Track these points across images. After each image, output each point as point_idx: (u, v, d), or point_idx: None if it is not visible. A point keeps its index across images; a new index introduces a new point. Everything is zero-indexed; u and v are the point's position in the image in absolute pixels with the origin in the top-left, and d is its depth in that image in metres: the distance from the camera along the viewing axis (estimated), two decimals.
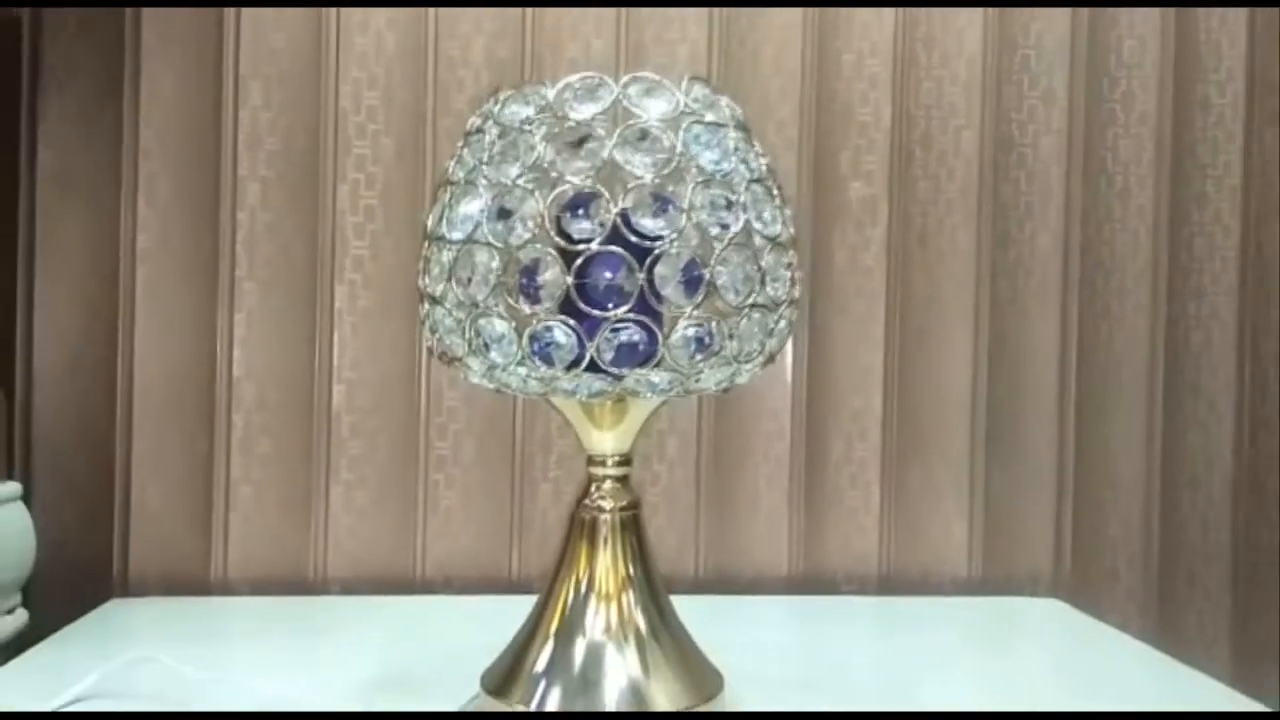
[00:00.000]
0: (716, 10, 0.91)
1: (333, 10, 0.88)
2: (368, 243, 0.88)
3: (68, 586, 0.82)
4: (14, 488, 0.77)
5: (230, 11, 0.87)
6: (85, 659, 0.65)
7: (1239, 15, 0.94)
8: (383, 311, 0.89)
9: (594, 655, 0.54)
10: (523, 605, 0.59)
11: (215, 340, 0.87)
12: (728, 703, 0.58)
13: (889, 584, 0.93)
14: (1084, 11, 0.94)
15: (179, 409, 0.87)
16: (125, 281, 0.86)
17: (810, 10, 0.92)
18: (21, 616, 0.77)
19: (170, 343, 0.87)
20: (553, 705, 0.53)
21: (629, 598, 0.55)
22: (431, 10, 0.89)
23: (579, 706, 0.53)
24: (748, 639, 0.76)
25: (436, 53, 0.89)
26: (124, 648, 0.66)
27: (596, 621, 0.54)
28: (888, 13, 0.92)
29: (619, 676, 0.53)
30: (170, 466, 0.87)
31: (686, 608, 0.59)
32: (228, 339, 0.88)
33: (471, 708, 0.58)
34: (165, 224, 0.86)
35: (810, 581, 0.92)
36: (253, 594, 0.87)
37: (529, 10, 0.89)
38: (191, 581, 0.86)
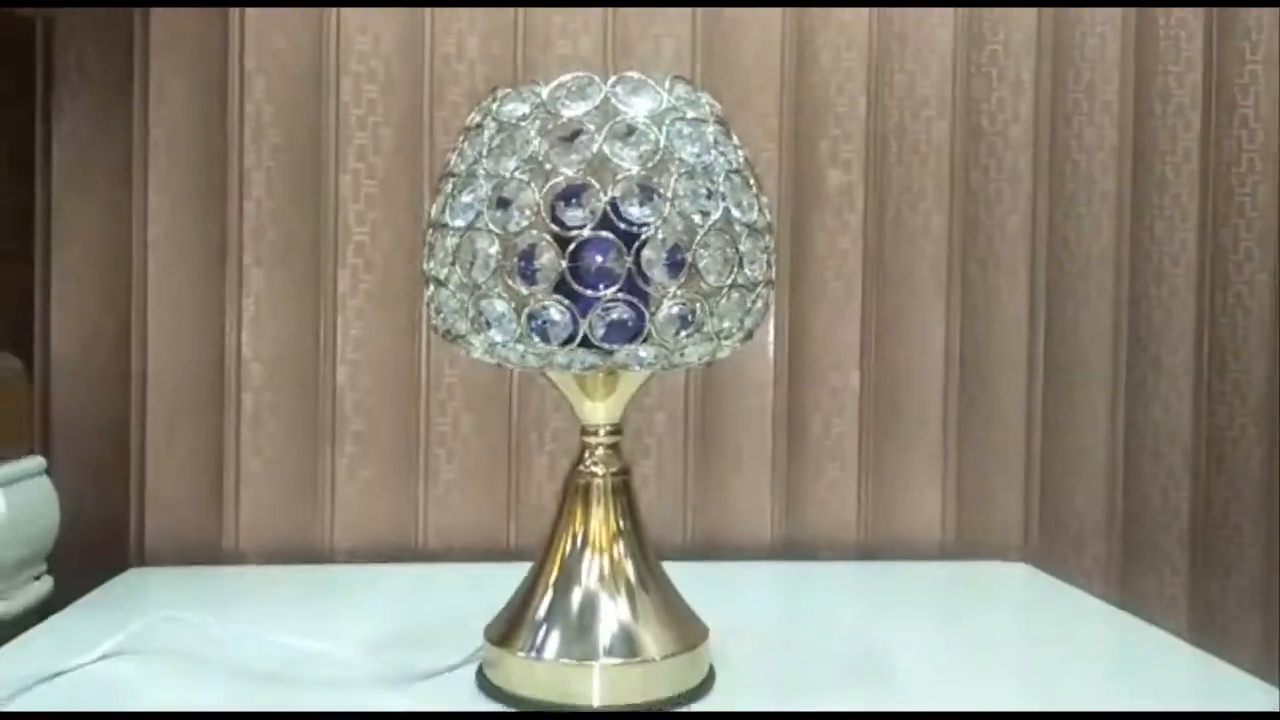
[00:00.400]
0: (700, 9, 0.94)
1: (333, 10, 0.91)
2: (369, 229, 0.92)
3: (87, 556, 0.85)
4: (39, 462, 0.81)
5: (235, 11, 0.90)
6: (108, 623, 0.68)
7: (1196, 11, 0.98)
8: (384, 295, 0.92)
9: (589, 602, 0.59)
10: (520, 571, 0.63)
11: (224, 324, 0.91)
12: (713, 652, 0.62)
13: (867, 551, 0.97)
14: (1049, 9, 0.98)
15: (191, 389, 0.91)
16: (138, 270, 0.90)
17: (789, 9, 0.95)
18: (47, 583, 0.80)
19: (181, 327, 0.91)
20: (551, 649, 0.57)
21: (619, 549, 0.60)
22: (427, 10, 0.92)
23: (575, 650, 0.57)
24: (733, 599, 0.79)
25: (432, 49, 0.93)
26: (145, 611, 0.68)
27: (591, 571, 0.59)
28: (863, 11, 0.96)
29: (611, 622, 0.58)
30: (183, 443, 0.91)
31: (676, 572, 0.63)
32: (236, 322, 0.91)
33: (477, 659, 0.63)
34: (175, 214, 0.90)
35: (792, 548, 0.96)
36: (264, 563, 0.91)
37: (520, 9, 0.93)
38: (205, 551, 0.90)
